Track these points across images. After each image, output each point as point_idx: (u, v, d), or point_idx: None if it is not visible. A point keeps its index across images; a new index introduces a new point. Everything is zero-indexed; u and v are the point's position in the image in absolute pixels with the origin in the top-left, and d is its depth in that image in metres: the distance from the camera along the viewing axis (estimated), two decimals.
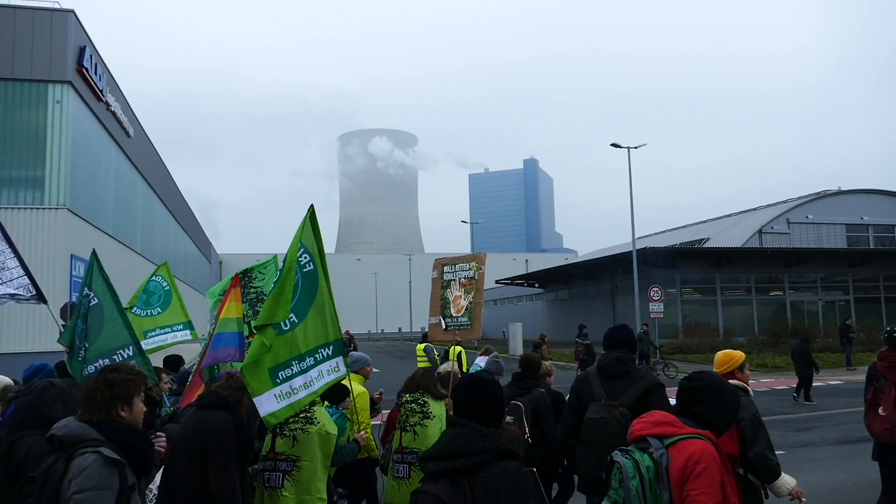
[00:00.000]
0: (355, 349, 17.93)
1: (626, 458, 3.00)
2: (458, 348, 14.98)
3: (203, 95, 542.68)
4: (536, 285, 52.54)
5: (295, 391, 4.60)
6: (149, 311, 8.57)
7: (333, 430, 4.77)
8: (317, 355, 4.83)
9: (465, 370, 13.89)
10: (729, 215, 48.58)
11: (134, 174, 36.38)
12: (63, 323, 21.73)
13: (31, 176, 24.46)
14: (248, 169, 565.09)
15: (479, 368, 7.15)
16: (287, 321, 4.68)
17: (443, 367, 6.80)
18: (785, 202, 44.24)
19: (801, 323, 33.40)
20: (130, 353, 5.60)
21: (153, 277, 8.76)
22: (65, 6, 25.24)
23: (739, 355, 4.68)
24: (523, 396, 5.89)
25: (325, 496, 4.65)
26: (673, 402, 3.37)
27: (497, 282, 56.68)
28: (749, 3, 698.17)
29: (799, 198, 43.87)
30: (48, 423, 3.26)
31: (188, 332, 8.66)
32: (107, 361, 5.46)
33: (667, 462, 2.90)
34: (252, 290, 7.15)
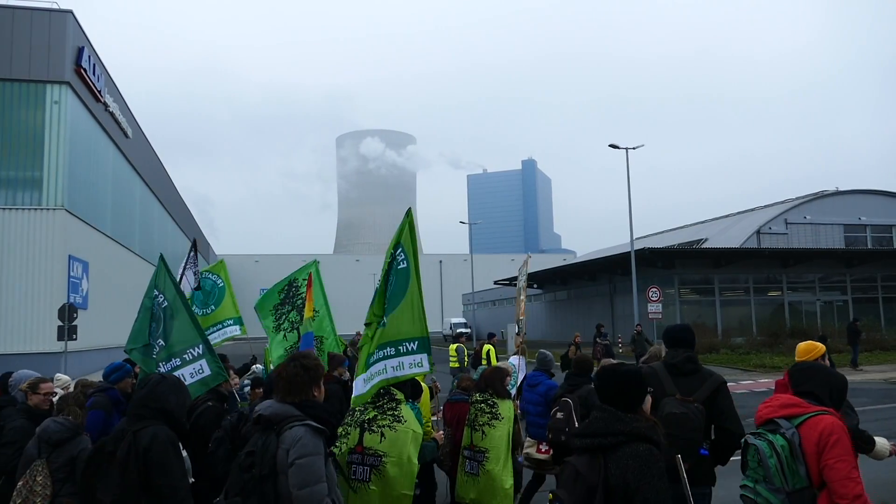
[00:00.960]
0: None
1: (761, 440, 3.43)
2: (489, 346, 15.40)
3: (199, 96, 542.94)
4: (535, 286, 52.51)
5: (374, 376, 4.96)
6: (205, 311, 8.87)
7: (419, 429, 4.90)
8: (401, 347, 5.06)
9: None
10: (727, 216, 48.61)
11: (132, 175, 36.34)
12: (60, 323, 21.49)
13: (28, 177, 24.42)
14: (245, 169, 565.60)
15: (514, 366, 7.42)
16: (379, 315, 5.11)
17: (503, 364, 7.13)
18: (783, 202, 44.28)
19: (798, 323, 33.42)
20: (200, 352, 5.77)
21: (206, 275, 9.01)
22: (63, 6, 25.18)
23: (821, 346, 4.91)
24: (573, 393, 6.24)
25: (410, 492, 4.75)
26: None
27: (495, 282, 56.65)
28: (749, 3, 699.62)
29: (797, 198, 43.91)
30: (164, 413, 3.79)
31: (237, 327, 8.92)
32: (178, 361, 5.72)
33: (799, 439, 3.35)
34: (299, 298, 7.70)
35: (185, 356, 5.76)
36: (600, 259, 39.09)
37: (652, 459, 2.82)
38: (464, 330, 40.52)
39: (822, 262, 36.29)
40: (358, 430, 4.82)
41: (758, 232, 40.60)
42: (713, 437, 4.45)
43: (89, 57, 26.32)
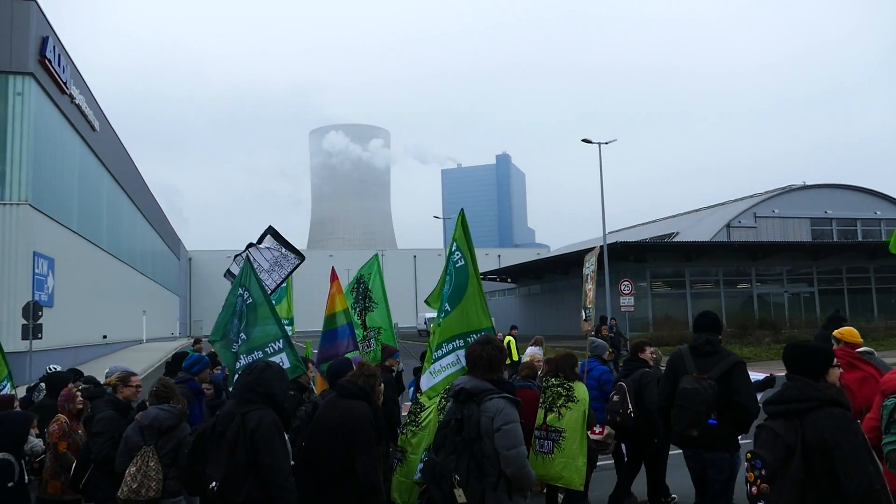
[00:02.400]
0: None
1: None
2: (509, 337, 15.77)
3: (166, 90, 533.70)
4: (509, 280, 52.70)
5: (444, 369, 5.43)
6: None
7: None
8: (468, 339, 5.41)
9: (514, 359, 14.71)
10: (698, 210, 49.25)
11: (100, 169, 35.61)
12: (25, 322, 20.95)
13: None
14: (215, 165, 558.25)
15: (528, 358, 7.70)
16: (442, 310, 5.53)
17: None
18: (752, 197, 44.98)
19: (767, 315, 34.00)
20: (280, 346, 6.22)
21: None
22: None
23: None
24: (627, 377, 6.83)
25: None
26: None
27: None
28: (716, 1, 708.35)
29: (765, 192, 44.63)
30: (269, 398, 4.09)
31: (290, 327, 9.22)
32: (259, 354, 6.14)
33: None
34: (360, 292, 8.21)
35: (267, 349, 6.19)
36: (573, 253, 39.29)
37: (847, 420, 3.24)
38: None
39: (790, 254, 36.96)
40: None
41: (727, 226, 41.19)
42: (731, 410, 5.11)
43: (54, 47, 25.68)
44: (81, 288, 30.72)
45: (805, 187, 44.56)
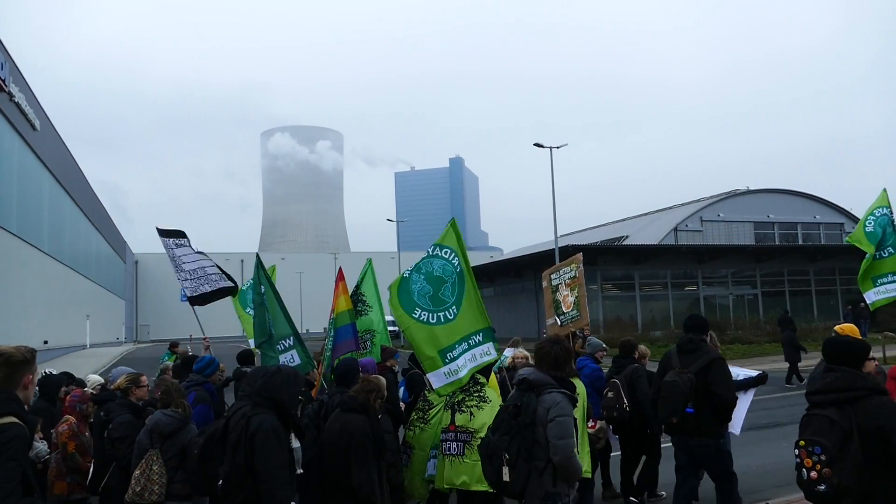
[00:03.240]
0: None
1: None
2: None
3: (109, 91, 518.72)
4: None
5: (459, 370, 5.69)
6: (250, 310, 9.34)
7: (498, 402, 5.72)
8: (470, 341, 5.85)
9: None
10: (646, 214, 50.26)
11: (40, 169, 34.37)
12: None
13: None
14: (159, 165, 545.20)
15: (506, 359, 8.02)
16: (449, 311, 5.84)
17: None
18: (698, 201, 46.13)
19: (713, 316, 34.85)
20: (291, 343, 6.38)
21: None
22: None
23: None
24: (619, 374, 7.33)
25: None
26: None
27: None
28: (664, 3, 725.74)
29: (711, 197, 45.83)
30: (275, 403, 4.09)
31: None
32: (279, 347, 6.32)
33: None
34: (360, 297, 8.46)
35: (279, 346, 6.34)
36: (526, 256, 39.75)
37: (895, 407, 3.58)
38: (393, 328, 40.29)
39: (734, 257, 38.06)
40: (449, 411, 5.66)
41: (675, 229, 42.17)
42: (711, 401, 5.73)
43: None
44: (21, 292, 29.61)
45: (748, 192, 45.89)
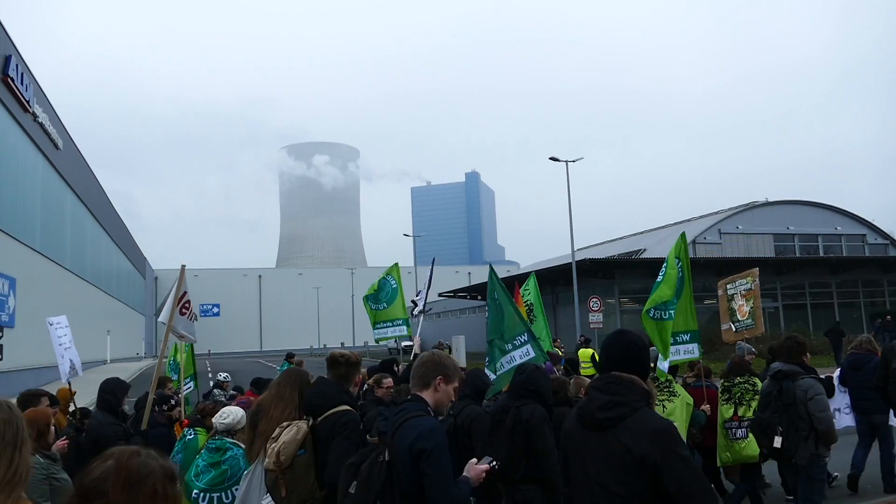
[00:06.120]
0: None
1: None
2: (591, 350, 16.16)
3: (126, 108, 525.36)
4: (479, 297, 52.75)
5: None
6: (377, 306, 9.57)
7: (690, 400, 6.57)
8: (677, 338, 6.75)
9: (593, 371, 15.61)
10: (664, 226, 49.94)
11: (63, 188, 34.98)
12: None
13: None
14: (174, 181, 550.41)
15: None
16: (666, 311, 6.45)
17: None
18: (716, 213, 45.79)
19: None
20: (525, 339, 6.87)
21: (385, 277, 9.81)
22: None
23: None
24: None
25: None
26: None
27: (440, 294, 56.65)
28: (671, 18, 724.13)
29: (729, 209, 45.48)
30: (538, 394, 4.96)
31: (405, 328, 9.68)
32: (510, 346, 6.92)
33: None
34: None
35: (515, 342, 6.94)
36: (542, 270, 39.56)
37: None
38: (408, 343, 40.21)
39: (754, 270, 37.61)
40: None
41: (693, 242, 41.86)
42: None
43: (17, 66, 25.28)
44: (44, 308, 30.00)
45: (767, 203, 45.50)
